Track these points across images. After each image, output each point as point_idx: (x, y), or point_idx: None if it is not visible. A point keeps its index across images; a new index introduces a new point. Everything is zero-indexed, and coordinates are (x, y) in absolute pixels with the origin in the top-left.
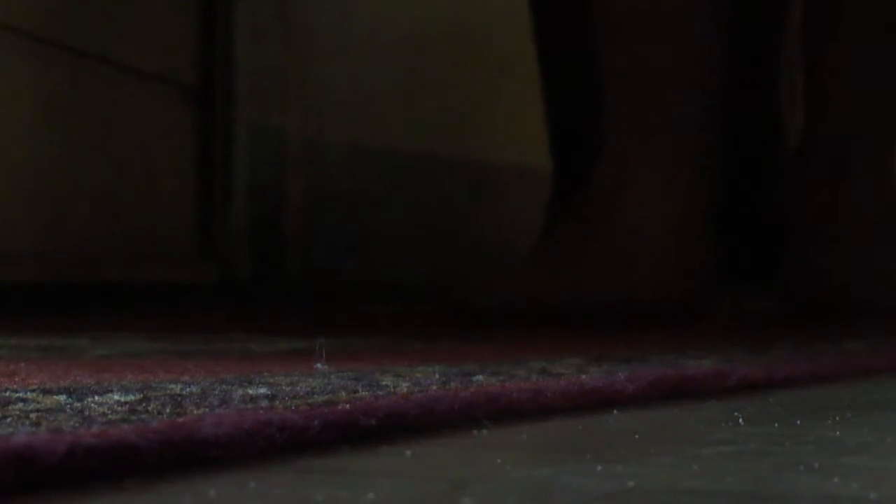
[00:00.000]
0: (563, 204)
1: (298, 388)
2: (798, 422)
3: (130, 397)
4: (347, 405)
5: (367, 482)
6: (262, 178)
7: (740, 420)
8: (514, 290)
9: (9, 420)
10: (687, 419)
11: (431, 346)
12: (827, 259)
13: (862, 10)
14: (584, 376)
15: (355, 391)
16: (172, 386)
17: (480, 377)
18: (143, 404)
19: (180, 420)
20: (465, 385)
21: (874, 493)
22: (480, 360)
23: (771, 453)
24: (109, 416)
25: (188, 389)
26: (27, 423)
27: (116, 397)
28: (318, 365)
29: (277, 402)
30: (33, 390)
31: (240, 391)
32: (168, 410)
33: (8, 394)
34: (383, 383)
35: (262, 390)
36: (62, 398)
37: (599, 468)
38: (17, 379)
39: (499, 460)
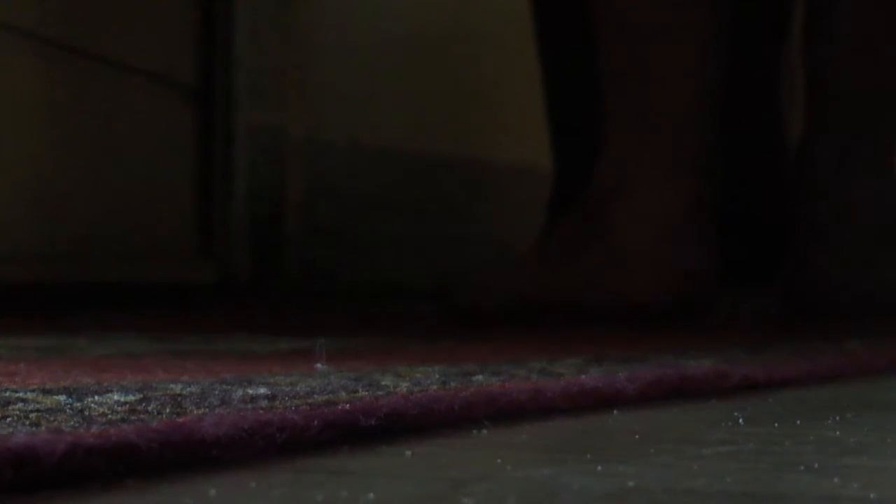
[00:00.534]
0: (563, 203)
1: (298, 388)
2: (798, 422)
3: (130, 397)
4: (347, 405)
5: (367, 482)
6: (262, 178)
7: (740, 420)
8: (514, 290)
9: (9, 420)
10: (687, 419)
11: (431, 346)
12: (827, 259)
13: (863, 10)
14: (584, 376)
15: (355, 391)
16: (172, 386)
17: (480, 377)
18: (143, 404)
19: (180, 420)
20: (465, 385)
21: (874, 493)
22: (480, 360)
23: (771, 453)
24: (109, 416)
25: (188, 389)
26: (27, 423)
27: (116, 397)
28: (318, 365)
29: (277, 402)
30: (33, 390)
31: (240, 391)
32: (168, 410)
33: (8, 394)
34: (383, 383)
35: (262, 390)
36: (62, 398)
37: (599, 468)
38: (17, 379)
39: (499, 460)
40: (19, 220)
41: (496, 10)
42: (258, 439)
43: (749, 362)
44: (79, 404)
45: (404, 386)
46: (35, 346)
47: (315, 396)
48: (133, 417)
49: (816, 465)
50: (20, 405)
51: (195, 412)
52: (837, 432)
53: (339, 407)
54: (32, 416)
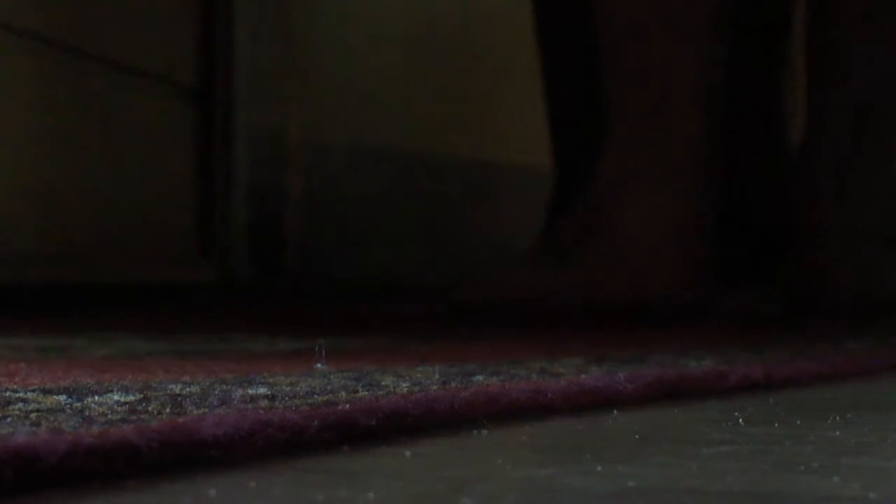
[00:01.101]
0: (563, 203)
1: (298, 388)
2: (798, 422)
3: (130, 397)
4: (347, 405)
5: (367, 482)
6: (262, 178)
7: (740, 420)
8: (514, 290)
9: (9, 420)
10: (687, 419)
11: (431, 346)
12: (827, 259)
13: (865, 10)
14: (584, 376)
15: (355, 391)
16: (172, 386)
17: (480, 377)
18: (143, 404)
19: (180, 420)
20: (465, 385)
21: (874, 493)
22: (480, 360)
23: (771, 453)
24: (109, 416)
25: (188, 389)
26: (27, 423)
27: (116, 397)
28: (318, 365)
29: (277, 402)
30: (33, 390)
31: (240, 391)
32: (168, 410)
33: (8, 394)
34: (383, 383)
35: (262, 390)
36: (62, 398)
37: (599, 468)
38: (17, 379)
39: (499, 460)
40: (19, 221)
41: (497, 10)
42: (258, 439)
43: (749, 362)
44: (79, 404)
45: (404, 386)
46: (35, 346)
47: (315, 396)
48: (133, 417)
49: (816, 465)
50: (20, 405)
51: (195, 412)
52: (837, 432)
53: (339, 407)
54: (32, 416)
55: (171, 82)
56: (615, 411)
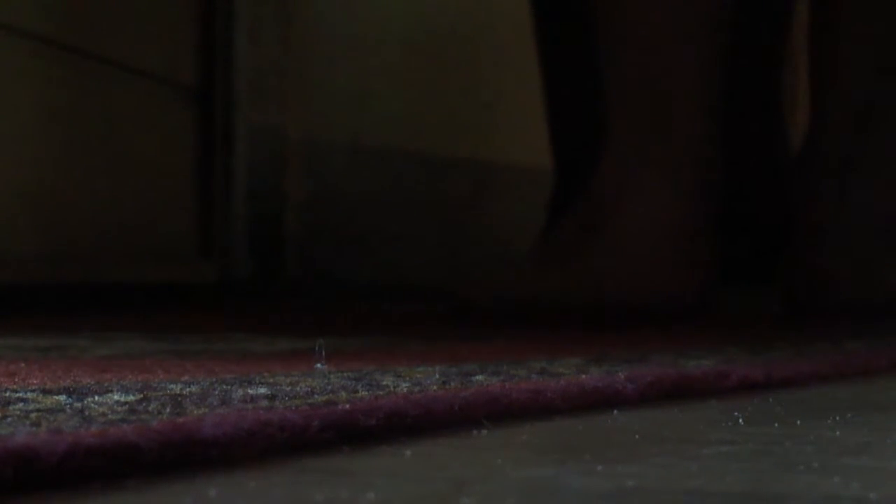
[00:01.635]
0: (563, 204)
1: (298, 388)
2: (798, 422)
3: (130, 397)
4: (347, 405)
5: (367, 482)
6: (262, 178)
7: (740, 420)
8: (514, 290)
9: (9, 420)
10: (687, 419)
11: (431, 346)
12: (827, 259)
13: (865, 10)
14: (584, 376)
15: (355, 391)
16: (172, 386)
17: (480, 377)
18: (143, 404)
19: (180, 420)
20: (465, 385)
21: (874, 493)
22: (480, 360)
23: (771, 453)
24: (109, 416)
25: (188, 389)
26: (27, 423)
27: (116, 397)
28: (318, 365)
29: (277, 402)
30: (33, 390)
31: (240, 391)
32: (168, 410)
33: (8, 394)
34: (383, 383)
35: (262, 390)
36: (62, 398)
37: (599, 468)
38: (17, 379)
39: (499, 460)
40: (19, 221)
41: (497, 10)
42: (258, 439)
43: (749, 362)
44: (79, 404)
45: (404, 386)
46: (35, 346)
47: (315, 396)
48: (133, 417)
49: (816, 465)
50: (20, 405)
51: (195, 412)
52: (837, 432)
53: (339, 407)
54: (32, 416)
55: (171, 82)
56: (615, 411)
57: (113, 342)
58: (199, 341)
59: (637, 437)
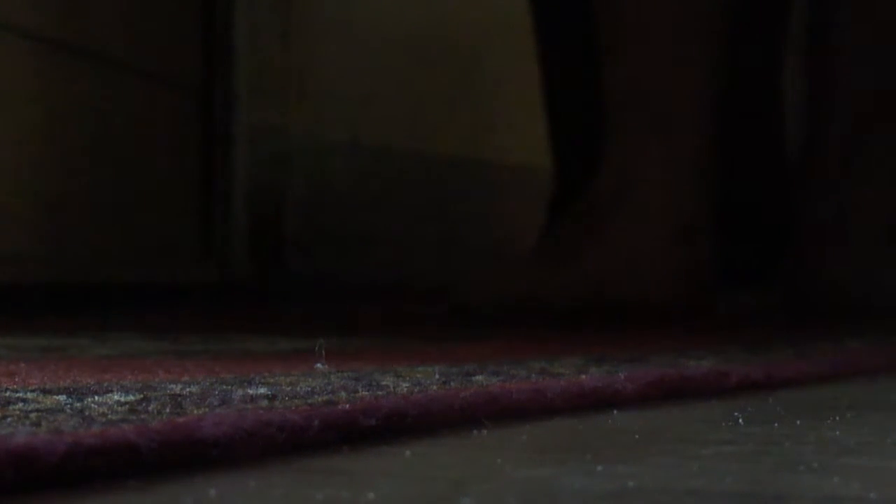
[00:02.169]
0: (563, 204)
1: (298, 388)
2: (798, 422)
3: (130, 397)
4: (347, 405)
5: (367, 482)
6: (262, 178)
7: (740, 420)
8: (514, 290)
9: (9, 420)
10: (687, 419)
11: (431, 346)
12: (827, 259)
13: (866, 10)
14: (584, 376)
15: (355, 391)
16: (172, 386)
17: (480, 377)
18: (143, 404)
19: (180, 420)
20: (465, 385)
21: (874, 493)
22: (480, 360)
23: (771, 453)
24: (109, 416)
25: (188, 389)
26: (27, 423)
27: (116, 397)
28: (318, 365)
29: (277, 402)
30: (33, 390)
31: (240, 391)
32: (168, 410)
33: (8, 394)
34: (383, 383)
35: (262, 390)
36: (62, 398)
37: (599, 468)
38: (17, 379)
39: (499, 460)
40: (19, 221)
41: (497, 9)
42: (258, 439)
43: (749, 362)
44: (79, 404)
45: (404, 386)
46: (35, 346)
47: (315, 396)
48: (133, 417)
49: (816, 465)
50: (20, 405)
51: (195, 412)
52: (837, 432)
53: (339, 407)
54: (32, 416)
55: (171, 82)
56: (615, 411)
57: (113, 342)
58: (199, 341)
59: (637, 437)
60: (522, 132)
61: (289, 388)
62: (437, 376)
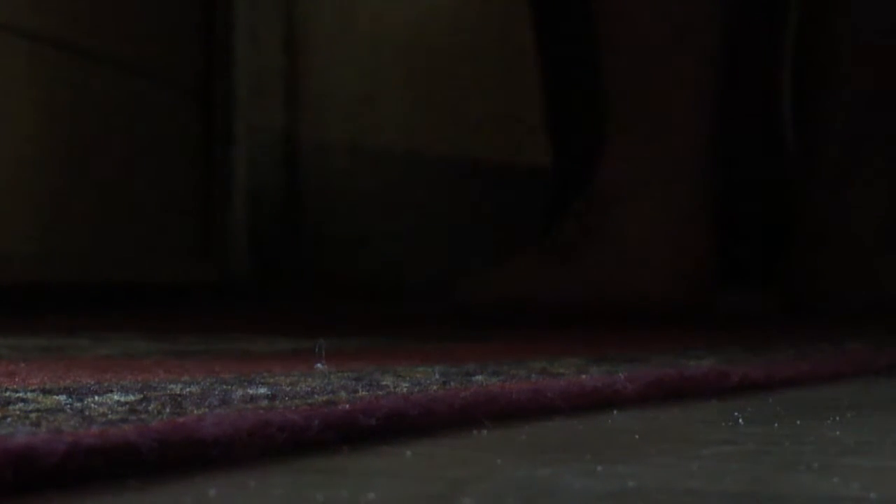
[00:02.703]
0: (563, 204)
1: (298, 388)
2: (798, 422)
3: (130, 397)
4: (347, 405)
5: (367, 482)
6: (262, 178)
7: (740, 420)
8: (514, 290)
9: (9, 420)
10: (687, 419)
11: (431, 346)
12: (827, 259)
13: (865, 10)
14: (584, 376)
15: (355, 391)
16: (172, 386)
17: (480, 377)
18: (143, 404)
19: (180, 420)
20: (465, 385)
21: (874, 493)
22: (480, 360)
23: (771, 453)
24: (109, 416)
25: (188, 389)
26: (27, 423)
27: (116, 397)
28: (318, 365)
29: (277, 402)
30: (33, 390)
31: (240, 391)
32: (168, 410)
33: (8, 394)
34: (383, 383)
35: (262, 390)
36: (62, 398)
37: (599, 468)
38: (17, 379)
39: (499, 460)
40: (19, 220)
41: (497, 9)
42: (258, 439)
43: (749, 362)
44: (79, 404)
45: (404, 386)
46: (35, 346)
47: (315, 396)
48: (133, 417)
49: (816, 465)
50: (20, 405)
51: (195, 412)
52: (837, 432)
53: (339, 407)
54: (32, 416)
55: (172, 82)
56: (615, 411)
57: (113, 342)
58: (199, 341)
59: (637, 437)
60: (523, 132)
61: (289, 388)
62: (437, 376)
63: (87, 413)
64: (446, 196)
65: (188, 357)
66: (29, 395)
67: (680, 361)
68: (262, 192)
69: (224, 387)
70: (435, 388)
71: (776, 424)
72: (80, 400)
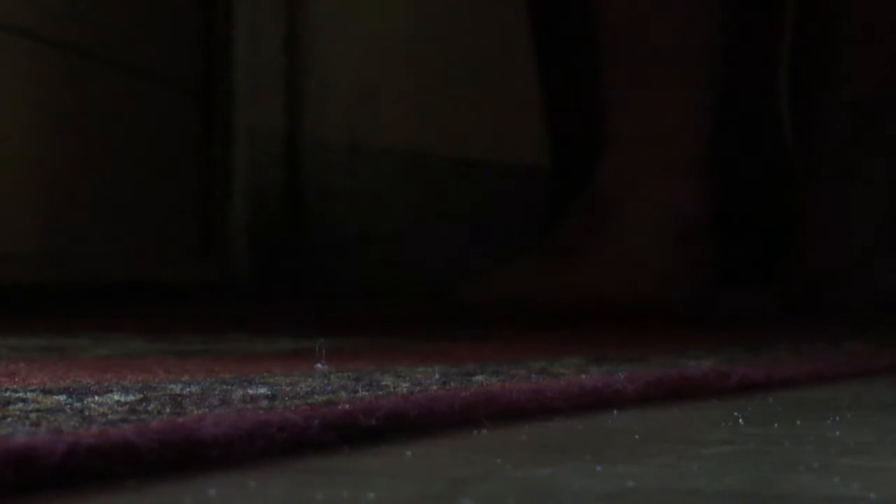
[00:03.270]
0: (563, 204)
1: (298, 388)
2: (798, 422)
3: (130, 397)
4: (347, 405)
5: (367, 482)
6: (261, 178)
7: (740, 420)
8: (514, 290)
9: (9, 420)
10: (687, 419)
11: (431, 346)
12: (827, 259)
13: (865, 9)
14: (584, 376)
15: (355, 391)
16: (172, 386)
17: (480, 377)
18: (143, 404)
19: (180, 420)
20: (465, 385)
21: (874, 493)
22: (480, 360)
23: (771, 453)
24: (109, 416)
25: (188, 389)
26: (27, 423)
27: (116, 397)
28: (318, 365)
29: (277, 402)
30: (33, 390)
31: (240, 391)
32: (168, 410)
33: (8, 394)
34: (383, 383)
35: (262, 390)
36: (62, 398)
37: (599, 468)
38: (17, 379)
39: (499, 460)
40: (19, 220)
41: (497, 9)
42: (258, 439)
43: (749, 362)
44: (79, 404)
45: (404, 386)
46: (35, 346)
47: (315, 396)
48: (133, 417)
49: (816, 465)
50: (20, 405)
51: (195, 412)
52: (837, 432)
53: (339, 407)
54: (32, 416)
55: (171, 82)
56: (615, 411)
57: (113, 342)
58: (199, 341)
59: (637, 437)
60: (523, 132)
61: (289, 388)
62: (437, 376)
63: (87, 413)
64: (446, 196)
65: (188, 357)
66: (29, 395)
67: (680, 361)
68: (262, 192)
69: (224, 387)
70: (435, 388)
71: (776, 424)
72: (80, 400)
